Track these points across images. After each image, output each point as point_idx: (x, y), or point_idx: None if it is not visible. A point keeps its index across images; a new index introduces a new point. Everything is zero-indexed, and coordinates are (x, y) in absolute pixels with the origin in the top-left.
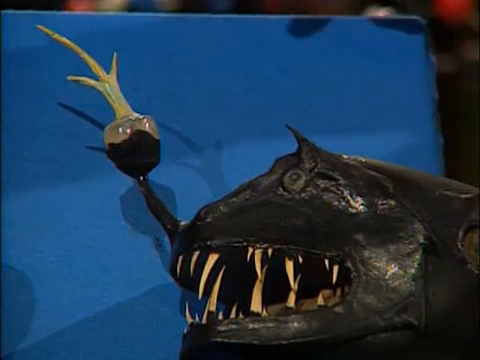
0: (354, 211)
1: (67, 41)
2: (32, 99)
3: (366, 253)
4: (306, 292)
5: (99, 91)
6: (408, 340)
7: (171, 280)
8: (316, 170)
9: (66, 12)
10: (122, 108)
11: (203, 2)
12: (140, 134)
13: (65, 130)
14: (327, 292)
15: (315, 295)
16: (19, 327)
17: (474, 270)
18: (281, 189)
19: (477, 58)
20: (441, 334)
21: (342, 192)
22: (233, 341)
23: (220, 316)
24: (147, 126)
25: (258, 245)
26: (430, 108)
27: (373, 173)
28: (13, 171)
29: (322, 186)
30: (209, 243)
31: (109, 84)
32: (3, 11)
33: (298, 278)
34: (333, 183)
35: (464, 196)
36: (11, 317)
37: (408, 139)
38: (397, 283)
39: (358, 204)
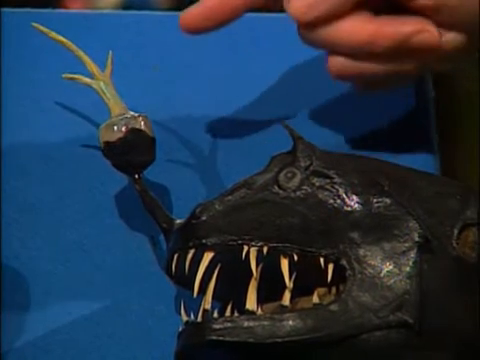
0: (349, 209)
1: (63, 39)
2: (29, 97)
3: (361, 251)
4: (301, 290)
5: (94, 89)
6: (403, 338)
7: (166, 278)
8: (311, 168)
9: (61, 10)
10: (117, 106)
11: (198, 0)
12: (135, 132)
13: (61, 128)
14: (322, 290)
15: (310, 293)
16: (16, 325)
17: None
18: (276, 187)
19: (477, 57)
20: (436, 332)
21: (337, 190)
22: (228, 339)
23: (215, 314)
24: (142, 124)
25: (253, 243)
26: (427, 107)
27: (368, 171)
28: (11, 170)
29: (317, 184)
30: (204, 241)
31: (104, 82)
32: (1, 9)
33: (293, 276)
34: (328, 181)
35: (459, 194)
36: (8, 315)
37: (404, 137)
38: (392, 281)
39: (353, 202)
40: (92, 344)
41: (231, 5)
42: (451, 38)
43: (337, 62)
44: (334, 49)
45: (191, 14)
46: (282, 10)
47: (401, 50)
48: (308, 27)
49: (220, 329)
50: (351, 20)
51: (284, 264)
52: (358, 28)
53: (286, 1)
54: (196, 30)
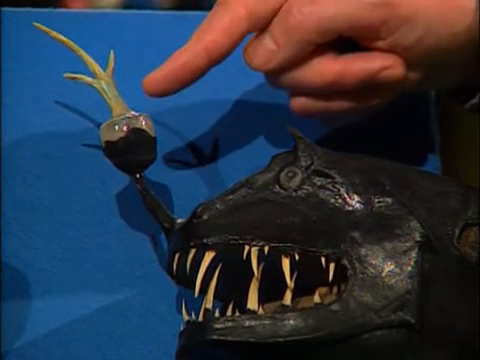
0: (350, 209)
1: (64, 39)
2: (30, 97)
3: (362, 251)
4: (302, 290)
5: (96, 89)
6: (404, 338)
7: (168, 278)
8: (312, 168)
9: (63, 9)
10: (118, 106)
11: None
12: (136, 132)
13: (62, 128)
14: (323, 290)
15: (311, 293)
16: (16, 325)
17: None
18: (277, 187)
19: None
20: (437, 332)
21: (338, 190)
22: (229, 339)
23: (216, 314)
24: (143, 123)
25: (254, 243)
26: (428, 107)
27: (370, 171)
28: (11, 169)
29: (318, 184)
30: (205, 241)
31: (105, 82)
32: (2, 8)
33: (294, 276)
34: (329, 181)
35: (461, 194)
36: (8, 315)
37: (405, 138)
38: (393, 281)
39: (355, 202)
40: (92, 344)
41: (193, 67)
42: (410, 75)
43: (301, 102)
44: (302, 91)
45: (154, 78)
46: None
47: (368, 86)
48: (273, 74)
49: (221, 329)
50: (316, 61)
51: (285, 264)
52: (324, 68)
53: (245, 54)
54: (160, 94)
